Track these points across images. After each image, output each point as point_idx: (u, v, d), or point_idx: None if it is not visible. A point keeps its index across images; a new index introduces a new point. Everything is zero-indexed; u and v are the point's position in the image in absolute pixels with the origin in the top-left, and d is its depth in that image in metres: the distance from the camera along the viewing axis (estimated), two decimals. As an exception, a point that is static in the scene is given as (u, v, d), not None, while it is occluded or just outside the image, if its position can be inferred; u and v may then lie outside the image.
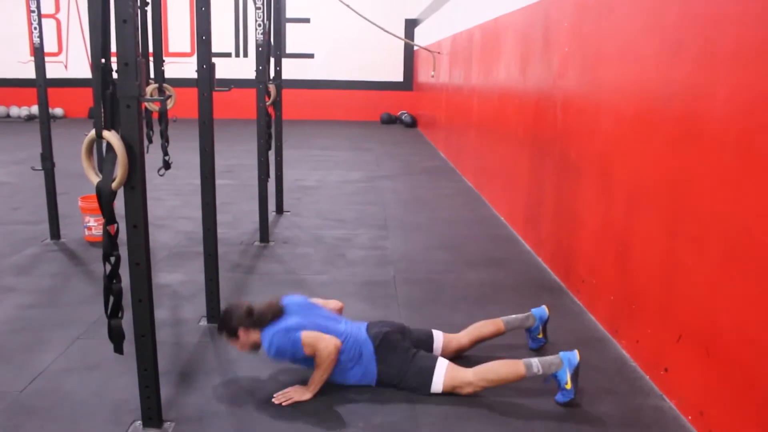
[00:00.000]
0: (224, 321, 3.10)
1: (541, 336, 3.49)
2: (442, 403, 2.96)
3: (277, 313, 3.09)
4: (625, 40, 3.63)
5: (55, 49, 16.69)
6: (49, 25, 16.18)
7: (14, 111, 16.81)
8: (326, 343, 2.94)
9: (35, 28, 5.10)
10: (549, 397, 3.01)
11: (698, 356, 2.76)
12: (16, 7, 16.30)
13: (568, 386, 2.94)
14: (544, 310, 3.49)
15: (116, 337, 2.57)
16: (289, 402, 2.92)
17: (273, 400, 2.93)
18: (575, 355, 2.99)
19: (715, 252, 2.65)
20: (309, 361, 3.00)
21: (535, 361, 2.99)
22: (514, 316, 3.48)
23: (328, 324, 3.12)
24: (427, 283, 4.57)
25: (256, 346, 3.09)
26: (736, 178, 2.53)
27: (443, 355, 3.24)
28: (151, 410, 2.67)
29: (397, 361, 3.05)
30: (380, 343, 3.08)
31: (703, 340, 2.73)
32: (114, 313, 2.53)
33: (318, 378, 2.96)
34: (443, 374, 3.01)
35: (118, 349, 2.60)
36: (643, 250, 3.31)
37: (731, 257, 2.54)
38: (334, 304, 3.41)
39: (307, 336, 2.96)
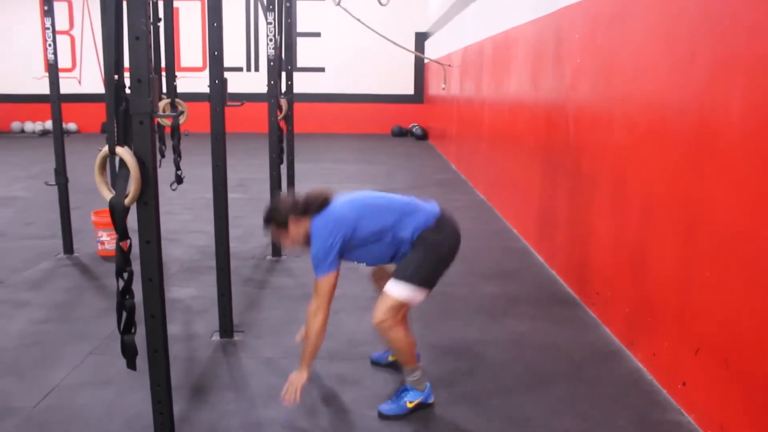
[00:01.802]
0: (273, 212, 2.95)
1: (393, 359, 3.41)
2: (448, 413, 2.93)
3: (326, 198, 2.91)
4: (638, 51, 3.61)
5: (69, 65, 16.87)
6: (63, 41, 16.35)
7: (28, 126, 16.99)
8: (317, 308, 2.83)
9: (50, 45, 5.15)
10: (566, 414, 2.98)
11: (718, 369, 2.71)
12: (31, 23, 16.50)
13: (409, 405, 2.94)
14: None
15: (129, 352, 2.56)
16: (297, 393, 2.80)
17: (284, 403, 2.84)
18: (432, 397, 3.02)
19: (734, 263, 2.62)
20: (319, 266, 2.84)
21: (420, 372, 2.98)
22: None
23: (386, 211, 2.92)
24: (439, 296, 4.52)
25: (307, 240, 2.93)
26: (752, 189, 2.50)
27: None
28: (164, 426, 2.66)
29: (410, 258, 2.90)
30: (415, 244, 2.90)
31: (723, 352, 2.69)
32: (127, 328, 2.53)
33: (307, 353, 2.84)
34: (410, 297, 2.86)
35: (131, 364, 2.59)
36: (658, 262, 3.28)
37: (750, 268, 2.51)
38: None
39: (322, 278, 2.83)
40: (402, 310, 2.90)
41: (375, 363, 3.48)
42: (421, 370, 3.01)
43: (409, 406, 2.95)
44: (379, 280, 3.25)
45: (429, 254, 2.90)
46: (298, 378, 2.84)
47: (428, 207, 3.02)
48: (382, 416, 2.93)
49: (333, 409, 3.01)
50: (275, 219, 2.96)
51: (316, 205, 2.90)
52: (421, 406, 2.98)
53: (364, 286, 4.71)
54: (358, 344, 3.71)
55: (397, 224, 2.90)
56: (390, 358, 3.43)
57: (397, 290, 2.86)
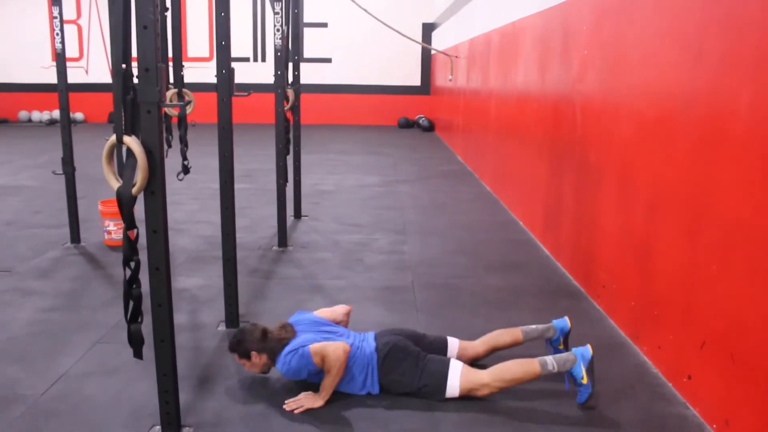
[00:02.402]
0: (237, 342, 3.12)
1: (561, 347, 3.41)
2: (460, 410, 2.94)
3: (289, 335, 3.11)
4: (645, 43, 3.59)
5: (76, 55, 16.89)
6: (70, 31, 16.36)
7: (36, 115, 17.02)
8: (334, 347, 2.94)
9: (57, 34, 5.15)
10: (570, 403, 2.98)
11: (723, 363, 2.71)
12: (38, 13, 16.51)
13: (585, 380, 2.92)
14: (566, 321, 3.41)
15: (136, 341, 2.57)
16: (301, 410, 2.91)
17: (284, 407, 2.92)
18: (588, 350, 2.98)
19: (741, 257, 2.61)
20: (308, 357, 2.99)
21: (550, 359, 2.97)
22: (534, 326, 3.41)
23: (336, 338, 3.13)
24: (445, 288, 4.55)
25: (266, 368, 3.14)
26: (760, 182, 2.49)
27: None
28: (170, 415, 2.67)
29: (408, 368, 3.03)
30: (387, 354, 3.06)
31: (728, 346, 2.68)
32: (133, 317, 2.54)
33: (329, 383, 2.96)
34: (458, 377, 2.98)
35: (138, 353, 2.61)
36: (664, 255, 3.27)
37: (757, 262, 2.50)
38: (340, 309, 3.43)
39: (314, 347, 2.97)
40: (472, 376, 3.00)
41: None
42: (551, 359, 2.99)
43: (585, 381, 2.92)
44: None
45: (401, 364, 3.06)
46: (312, 401, 2.95)
47: (357, 339, 3.21)
48: (584, 406, 2.93)
49: (339, 400, 3.01)
50: (238, 350, 3.12)
51: (279, 340, 3.09)
52: (591, 364, 2.94)
53: (369, 277, 4.73)
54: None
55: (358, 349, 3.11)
56: (559, 346, 3.41)
57: (456, 389, 2.99)
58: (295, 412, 2.90)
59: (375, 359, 3.06)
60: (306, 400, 2.94)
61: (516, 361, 3.02)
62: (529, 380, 2.98)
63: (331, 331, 3.21)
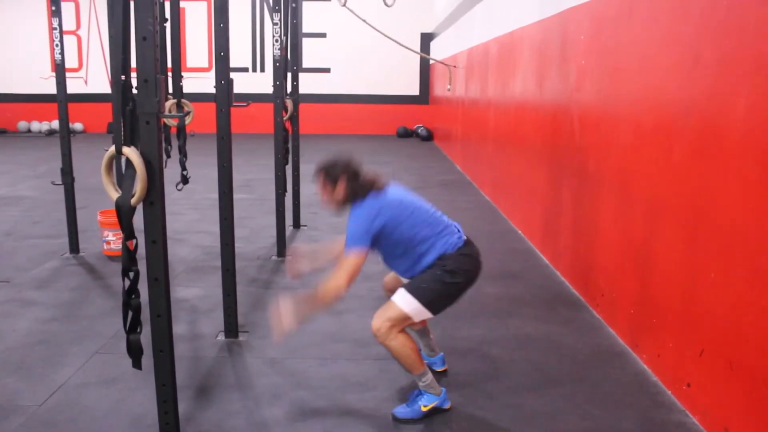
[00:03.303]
0: (332, 164, 2.97)
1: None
2: (454, 418, 2.93)
3: (382, 183, 2.95)
4: (643, 52, 3.61)
5: (75, 65, 16.93)
6: (69, 41, 16.41)
7: (35, 126, 17.04)
8: (340, 286, 2.76)
9: (57, 45, 5.18)
10: (571, 414, 2.98)
11: (722, 371, 2.71)
12: (38, 23, 16.56)
13: (423, 408, 2.92)
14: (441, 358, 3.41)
15: (135, 351, 2.57)
16: (282, 335, 2.79)
17: (275, 337, 2.85)
18: (448, 403, 3.00)
19: (739, 264, 2.62)
20: (353, 240, 2.83)
21: (430, 376, 2.96)
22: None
23: (425, 223, 2.93)
24: (444, 297, 4.54)
25: (343, 205, 2.98)
26: (758, 189, 2.50)
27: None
28: (169, 425, 2.67)
29: (433, 283, 2.89)
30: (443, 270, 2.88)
31: (727, 354, 2.68)
32: (132, 328, 2.54)
33: (306, 308, 2.82)
34: (413, 313, 2.85)
35: (137, 363, 2.60)
36: (663, 263, 3.28)
37: (755, 270, 2.51)
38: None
39: (353, 254, 2.80)
40: (403, 323, 2.87)
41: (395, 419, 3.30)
42: (431, 375, 2.97)
43: (424, 410, 2.93)
44: (390, 291, 3.22)
45: (444, 279, 2.89)
46: (288, 321, 2.76)
47: (457, 233, 3.01)
48: (396, 419, 2.92)
49: (338, 410, 3.01)
50: (328, 172, 2.97)
51: (371, 182, 2.93)
52: (437, 411, 2.95)
53: (370, 287, 4.72)
54: (364, 345, 3.72)
55: (426, 242, 2.92)
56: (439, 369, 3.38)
57: (403, 302, 2.86)
58: (282, 338, 2.81)
59: (429, 263, 2.91)
60: (281, 325, 2.76)
61: (415, 350, 2.90)
62: (406, 366, 2.90)
63: (423, 219, 2.96)
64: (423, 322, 3.05)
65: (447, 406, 3.00)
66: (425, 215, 2.99)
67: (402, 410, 2.95)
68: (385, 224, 2.86)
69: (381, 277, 4.93)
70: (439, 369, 3.37)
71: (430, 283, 2.88)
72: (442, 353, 3.41)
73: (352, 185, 2.92)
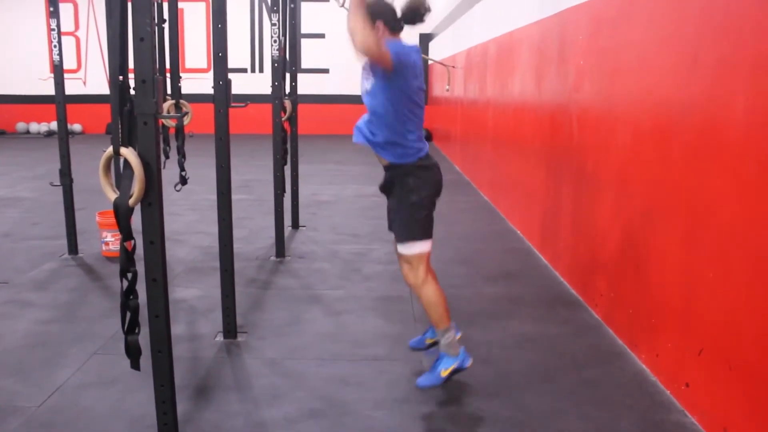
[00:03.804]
0: (375, 3, 3.00)
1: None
2: (450, 415, 2.93)
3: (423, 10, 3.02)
4: (641, 52, 3.61)
5: (74, 66, 16.92)
6: (68, 43, 16.41)
7: (34, 127, 17.04)
8: (374, 40, 2.81)
9: (55, 46, 5.17)
10: (569, 414, 2.98)
11: (721, 371, 2.71)
12: (36, 24, 16.56)
13: (443, 374, 3.01)
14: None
15: (133, 352, 2.57)
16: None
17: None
18: (469, 360, 3.10)
19: (738, 264, 2.62)
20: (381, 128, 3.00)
21: (453, 334, 3.08)
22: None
23: (417, 106, 3.06)
24: (443, 298, 4.54)
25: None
26: (756, 189, 2.50)
27: None
28: (168, 426, 2.67)
29: (408, 200, 3.08)
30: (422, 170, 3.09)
31: (726, 354, 2.68)
32: (131, 328, 2.54)
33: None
34: (417, 250, 3.06)
35: (135, 364, 2.60)
36: (662, 263, 3.28)
37: (754, 269, 2.51)
38: None
39: (391, 47, 2.88)
40: (423, 261, 3.08)
41: (415, 349, 3.52)
42: (455, 331, 3.10)
43: (444, 374, 3.01)
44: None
45: (414, 202, 3.06)
46: None
47: (422, 140, 3.16)
48: (421, 389, 3.01)
49: (337, 411, 3.01)
50: (370, 9, 2.97)
51: (403, 22, 3.05)
52: (457, 372, 3.03)
53: (369, 287, 4.73)
54: (362, 345, 3.72)
55: (416, 128, 3.07)
56: (428, 341, 3.47)
57: (407, 249, 3.09)
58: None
59: (406, 158, 3.09)
60: None
61: (443, 303, 3.09)
62: (433, 318, 3.08)
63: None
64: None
65: (468, 364, 3.09)
66: (420, 103, 3.11)
67: (424, 379, 3.04)
68: (412, 66, 2.96)
69: (380, 277, 4.95)
70: (431, 339, 3.45)
71: (406, 219, 3.08)
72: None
73: (387, 30, 3.03)
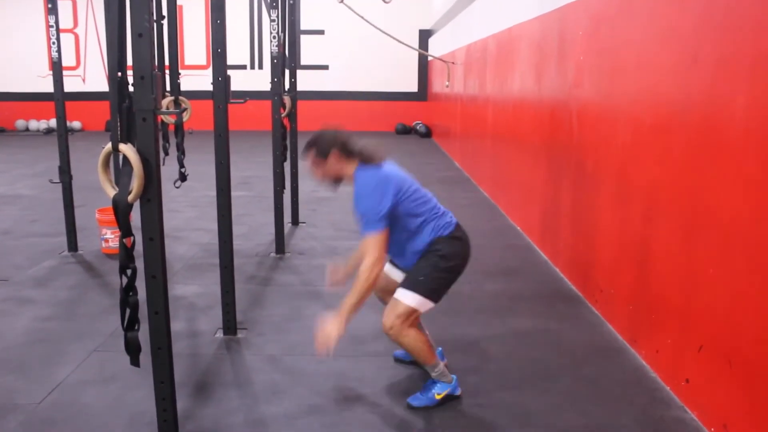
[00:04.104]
0: (319, 138, 2.87)
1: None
2: (453, 410, 2.93)
3: (380, 156, 2.85)
4: (641, 48, 3.60)
5: (73, 63, 16.90)
6: (67, 40, 16.39)
7: (33, 124, 17.01)
8: (374, 261, 2.72)
9: (54, 43, 5.16)
10: (567, 408, 2.98)
11: (720, 367, 2.71)
12: (35, 21, 16.53)
13: (437, 397, 2.98)
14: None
15: (133, 349, 2.57)
16: (331, 347, 2.72)
17: (317, 356, 2.85)
18: (459, 390, 3.06)
19: (737, 260, 2.62)
20: (370, 224, 2.77)
21: (441, 366, 3.02)
22: None
23: (422, 200, 2.90)
24: (443, 294, 4.54)
25: (338, 180, 2.92)
26: (756, 185, 2.50)
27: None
28: (168, 423, 2.67)
29: (427, 271, 2.90)
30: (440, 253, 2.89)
31: (726, 350, 2.68)
32: (130, 325, 2.53)
33: (349, 304, 2.75)
34: (415, 305, 2.87)
35: (135, 361, 2.60)
36: (662, 260, 3.27)
37: (754, 266, 2.50)
38: None
39: (374, 235, 2.75)
40: (411, 317, 2.91)
41: (398, 360, 3.48)
42: (443, 364, 3.06)
43: (438, 398, 2.99)
44: (382, 292, 3.23)
45: (440, 265, 2.91)
46: (334, 328, 2.72)
47: (448, 216, 3.02)
48: (411, 408, 2.97)
49: (336, 407, 3.01)
50: (318, 146, 2.88)
51: (368, 154, 2.84)
52: (450, 398, 3.01)
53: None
54: (362, 342, 3.72)
55: (425, 221, 2.92)
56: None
57: (407, 298, 2.88)
58: (331, 353, 2.76)
59: (426, 245, 2.91)
60: (327, 332, 2.72)
61: (426, 343, 2.96)
62: (418, 358, 2.98)
63: (423, 196, 2.94)
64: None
65: (458, 392, 3.05)
66: (423, 193, 2.98)
67: (416, 399, 3.00)
68: (395, 196, 2.81)
69: (380, 274, 4.94)
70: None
71: (427, 273, 2.90)
72: (440, 348, 3.42)
73: (345, 158, 2.85)
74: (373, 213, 2.77)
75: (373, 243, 2.78)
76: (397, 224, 2.88)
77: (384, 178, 2.82)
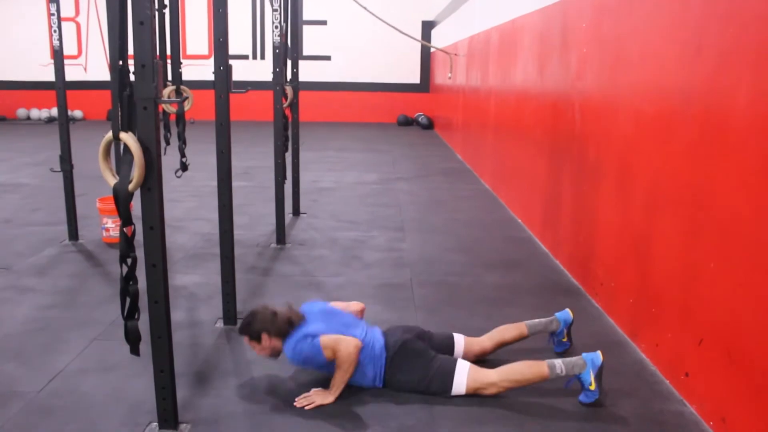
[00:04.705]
0: (248, 324, 3.10)
1: (565, 340, 3.46)
2: (460, 405, 2.94)
3: (298, 320, 3.10)
4: (644, 41, 3.58)
5: (74, 52, 16.86)
6: (68, 28, 16.35)
7: (34, 113, 17.00)
8: (346, 344, 2.94)
9: (55, 31, 5.14)
10: (569, 399, 2.98)
11: (720, 361, 2.71)
12: (37, 10, 16.49)
13: (593, 387, 2.93)
14: (568, 313, 3.45)
15: (133, 338, 2.57)
16: (312, 406, 2.90)
17: (295, 404, 2.91)
18: (598, 356, 2.97)
19: (738, 254, 2.61)
20: (332, 366, 2.99)
21: (559, 362, 2.97)
22: (537, 320, 3.44)
23: (348, 330, 3.11)
24: (443, 286, 4.54)
25: (276, 352, 3.10)
26: (758, 179, 2.49)
27: (465, 359, 3.21)
28: (167, 412, 2.67)
29: (418, 367, 3.03)
30: (397, 352, 3.07)
31: (726, 344, 2.68)
32: (130, 314, 2.54)
33: (339, 380, 2.96)
34: (465, 375, 2.99)
35: (135, 350, 2.60)
36: (663, 253, 3.27)
37: (754, 260, 2.50)
38: (355, 306, 3.40)
39: (325, 339, 2.96)
40: (481, 387, 2.99)
41: (560, 352, 3.47)
42: (560, 362, 2.98)
43: (593, 387, 2.93)
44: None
45: (412, 354, 3.08)
46: (322, 398, 2.94)
47: (377, 330, 3.24)
48: (585, 405, 2.95)
49: (340, 397, 3.01)
50: (249, 332, 3.10)
51: (289, 321, 3.08)
52: (601, 370, 2.94)
53: (369, 275, 4.72)
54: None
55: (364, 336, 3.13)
56: (563, 339, 3.46)
57: (457, 387, 3.01)
58: (306, 408, 2.89)
59: (384, 357, 3.07)
60: (317, 397, 2.94)
61: (525, 362, 3.03)
62: (537, 382, 2.98)
63: (346, 323, 3.18)
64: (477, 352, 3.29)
65: (599, 361, 2.96)
66: (348, 317, 3.25)
67: (584, 397, 2.96)
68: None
69: (380, 264, 4.95)
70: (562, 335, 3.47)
71: (420, 372, 3.05)
72: (559, 317, 3.44)
73: (274, 332, 3.06)
74: (315, 352, 2.98)
75: (329, 338, 3.00)
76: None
77: (306, 337, 3.01)
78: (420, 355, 3.07)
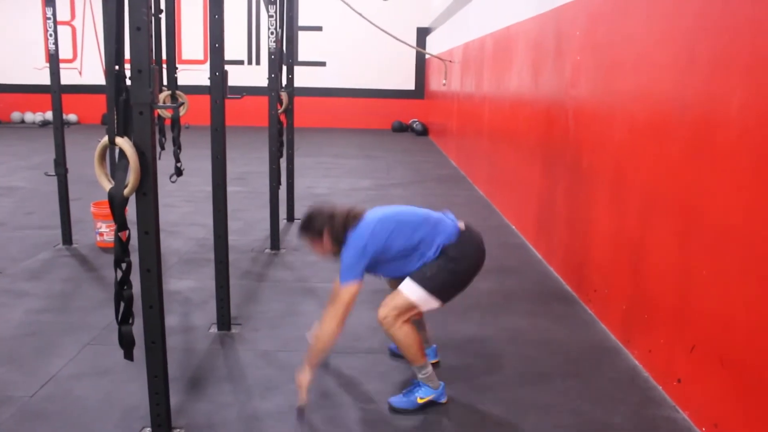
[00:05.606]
0: (308, 222, 3.04)
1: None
2: (444, 414, 2.94)
3: (359, 214, 3.00)
4: (638, 48, 3.61)
5: (70, 56, 16.84)
6: (64, 32, 16.33)
7: (29, 117, 16.97)
8: (332, 328, 2.83)
9: (51, 35, 5.15)
10: (559, 408, 2.99)
11: (712, 367, 2.72)
12: (32, 13, 16.47)
13: (420, 401, 2.94)
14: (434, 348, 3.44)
15: (126, 343, 2.57)
16: (304, 395, 2.81)
17: (299, 407, 2.86)
18: (445, 397, 3.01)
19: (731, 262, 2.63)
20: (383, 269, 2.97)
21: (430, 369, 2.98)
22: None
23: (412, 229, 2.97)
24: (437, 292, 4.54)
25: (338, 251, 3.01)
26: (751, 186, 2.51)
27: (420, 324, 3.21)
28: (161, 417, 2.67)
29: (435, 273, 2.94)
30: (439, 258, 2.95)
31: (718, 350, 2.69)
32: (125, 319, 2.53)
33: (314, 354, 2.86)
34: (418, 300, 2.90)
35: (129, 355, 2.60)
36: (656, 260, 3.29)
37: (747, 266, 2.52)
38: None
39: (344, 288, 2.87)
40: (410, 311, 2.91)
41: (393, 355, 3.48)
42: (431, 368, 2.99)
43: (420, 402, 2.95)
44: (394, 284, 3.22)
45: (449, 266, 2.94)
46: (303, 378, 2.85)
47: (452, 223, 3.08)
48: (392, 409, 2.95)
49: (330, 403, 3.02)
50: (311, 229, 3.04)
51: (348, 217, 2.98)
52: (432, 404, 2.97)
53: (367, 280, 4.71)
54: (357, 338, 3.72)
55: (424, 242, 2.96)
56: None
57: (409, 290, 2.90)
58: (302, 400, 2.82)
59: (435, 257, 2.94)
60: (301, 383, 2.83)
61: (418, 342, 2.94)
62: (407, 356, 2.95)
63: (413, 225, 3.01)
64: (420, 313, 3.06)
65: (443, 400, 3.01)
66: (412, 220, 3.04)
67: (398, 400, 2.98)
68: (375, 249, 2.91)
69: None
70: (432, 361, 3.37)
71: (434, 272, 2.91)
72: (435, 345, 3.42)
73: (335, 231, 2.98)
74: (352, 261, 2.89)
75: (342, 295, 2.88)
76: (399, 259, 2.97)
77: (366, 235, 2.91)
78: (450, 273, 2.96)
